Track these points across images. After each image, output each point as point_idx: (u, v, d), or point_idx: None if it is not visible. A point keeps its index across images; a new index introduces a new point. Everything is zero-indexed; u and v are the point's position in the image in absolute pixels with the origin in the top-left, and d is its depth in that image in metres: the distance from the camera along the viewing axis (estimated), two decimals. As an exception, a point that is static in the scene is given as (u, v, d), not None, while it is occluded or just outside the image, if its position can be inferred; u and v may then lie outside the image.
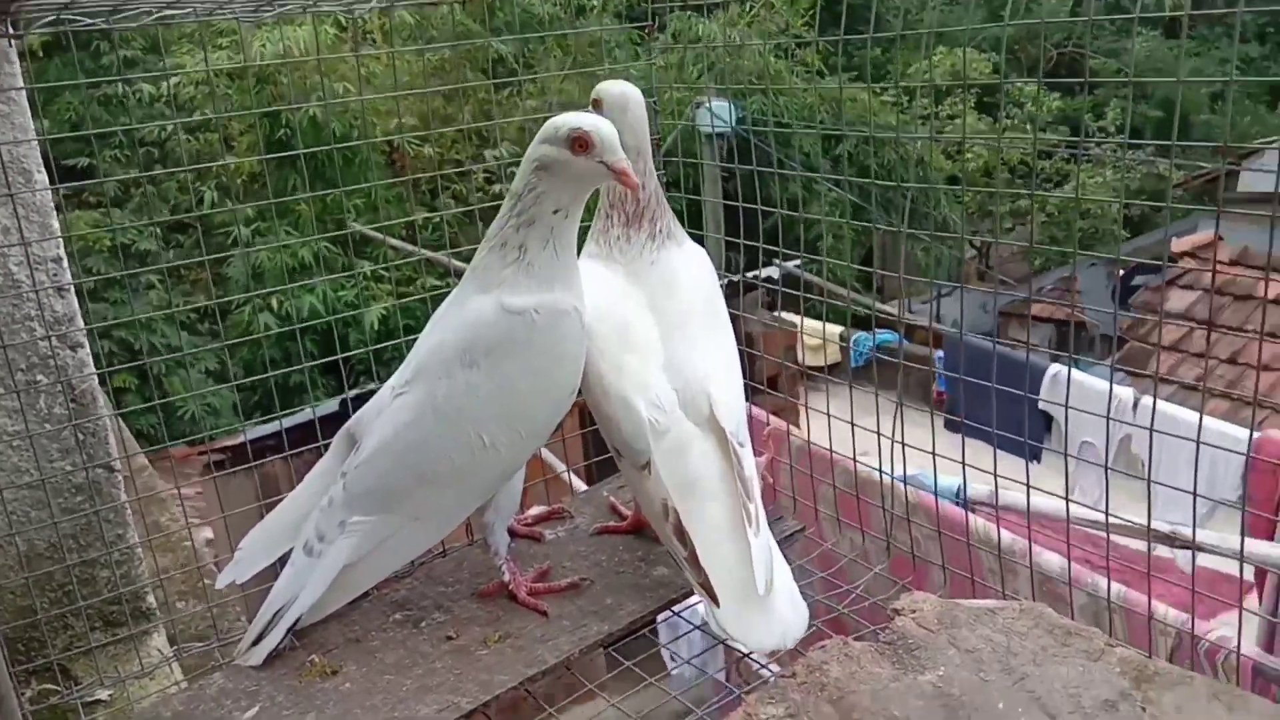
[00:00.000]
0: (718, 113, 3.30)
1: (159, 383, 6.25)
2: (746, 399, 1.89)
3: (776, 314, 2.70)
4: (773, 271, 2.43)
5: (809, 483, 2.26)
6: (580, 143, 1.49)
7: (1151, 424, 1.54)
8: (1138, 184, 13.29)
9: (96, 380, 1.85)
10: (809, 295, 2.12)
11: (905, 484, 2.10)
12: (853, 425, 2.04)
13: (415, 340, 1.73)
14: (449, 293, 1.71)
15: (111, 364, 2.13)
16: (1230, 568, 2.36)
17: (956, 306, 2.14)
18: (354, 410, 1.75)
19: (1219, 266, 3.97)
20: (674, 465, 1.60)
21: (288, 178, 7.20)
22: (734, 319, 1.84)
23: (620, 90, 1.73)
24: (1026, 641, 1.39)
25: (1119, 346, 6.99)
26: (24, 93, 1.71)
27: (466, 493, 1.66)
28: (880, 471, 2.04)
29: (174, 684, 1.83)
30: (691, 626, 1.87)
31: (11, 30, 1.65)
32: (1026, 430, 1.82)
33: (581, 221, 1.64)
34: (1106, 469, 1.69)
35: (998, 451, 1.85)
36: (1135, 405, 3.80)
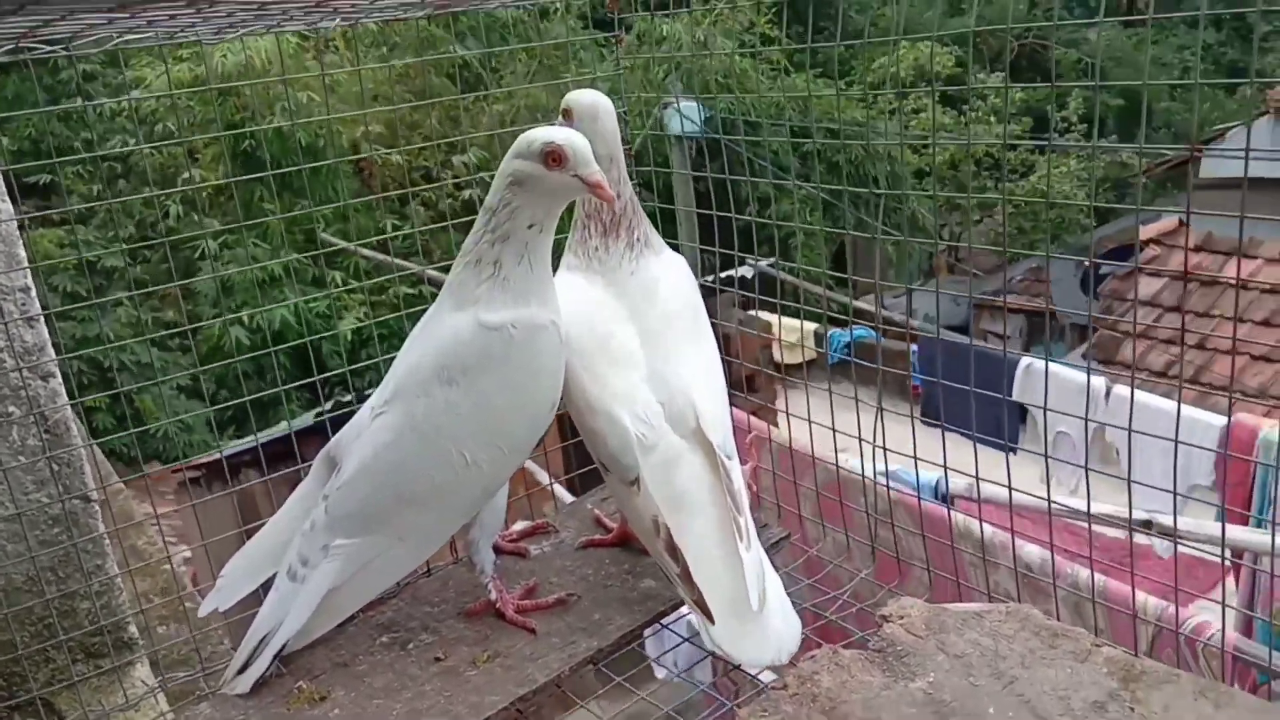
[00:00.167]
0: (687, 114, 3.29)
1: (130, 400, 6.17)
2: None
3: (751, 314, 2.71)
4: (746, 271, 2.43)
5: (790, 486, 2.26)
6: (554, 157, 1.48)
7: (1130, 423, 1.55)
8: (1101, 172, 13.48)
9: (70, 410, 1.82)
10: (783, 299, 2.11)
11: (889, 484, 2.11)
12: (834, 429, 2.04)
13: (390, 353, 1.71)
14: (422, 301, 1.69)
15: (82, 383, 2.10)
16: (1207, 552, 2.40)
17: (928, 300, 2.15)
18: (332, 429, 1.74)
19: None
20: (663, 480, 1.58)
21: (254, 189, 7.13)
22: (711, 323, 1.84)
23: (590, 100, 1.71)
24: (1014, 644, 1.40)
25: (1089, 334, 7.07)
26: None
27: (449, 511, 1.65)
28: (863, 476, 2.05)
29: (159, 715, 1.80)
30: (680, 639, 1.87)
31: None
32: (1006, 430, 1.84)
33: (557, 234, 1.63)
34: (1086, 467, 1.70)
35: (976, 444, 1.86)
36: (1108, 394, 3.83)
